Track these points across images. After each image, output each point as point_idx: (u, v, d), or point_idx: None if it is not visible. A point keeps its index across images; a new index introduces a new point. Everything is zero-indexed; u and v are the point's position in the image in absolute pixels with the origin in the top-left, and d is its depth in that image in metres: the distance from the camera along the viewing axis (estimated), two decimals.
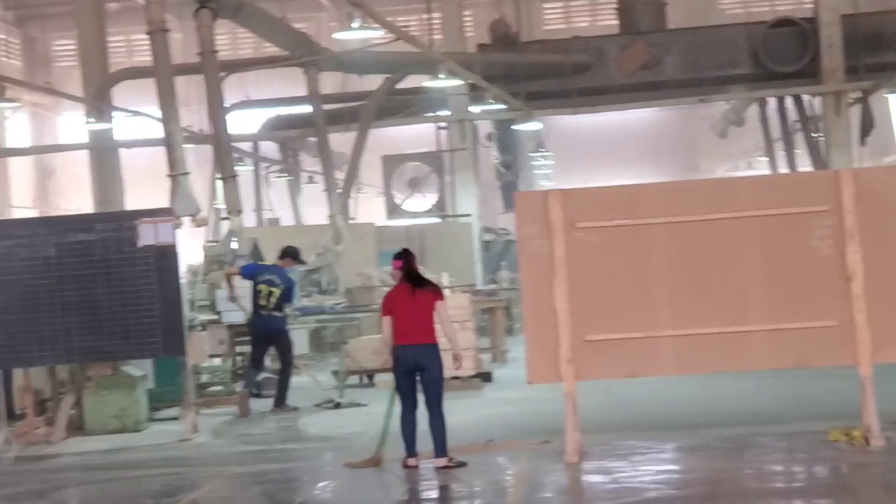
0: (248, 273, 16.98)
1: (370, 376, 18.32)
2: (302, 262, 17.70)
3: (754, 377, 15.88)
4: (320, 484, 11.74)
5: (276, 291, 16.73)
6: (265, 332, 16.96)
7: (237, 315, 17.69)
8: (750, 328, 12.04)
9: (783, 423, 13.17)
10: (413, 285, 11.90)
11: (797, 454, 11.68)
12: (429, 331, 11.85)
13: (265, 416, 16.17)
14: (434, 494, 11.38)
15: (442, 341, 11.93)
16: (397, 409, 11.98)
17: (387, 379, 18.16)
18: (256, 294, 16.83)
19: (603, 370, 12.32)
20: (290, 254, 17.26)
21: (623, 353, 12.15)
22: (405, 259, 12.12)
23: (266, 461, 13.04)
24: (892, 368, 14.04)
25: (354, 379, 18.73)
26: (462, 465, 11.79)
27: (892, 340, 11.85)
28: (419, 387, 11.91)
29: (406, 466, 11.84)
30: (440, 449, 11.79)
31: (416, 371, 11.83)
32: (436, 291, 12.06)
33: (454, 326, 12.21)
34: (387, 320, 11.95)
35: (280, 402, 16.55)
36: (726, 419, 13.72)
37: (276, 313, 16.77)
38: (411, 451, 11.89)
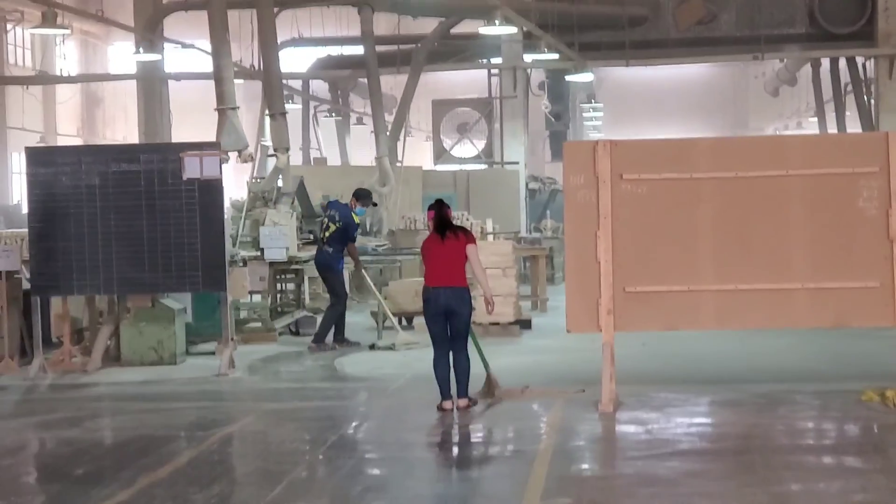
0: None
1: (409, 319, 18.36)
2: (368, 205, 17.63)
3: (793, 335, 15.85)
4: (354, 423, 11.82)
5: (333, 227, 16.77)
6: (317, 265, 17.24)
7: (279, 252, 17.76)
8: (792, 286, 12.02)
9: (818, 381, 13.14)
10: (441, 235, 12.00)
11: (830, 412, 11.67)
12: (458, 274, 11.99)
13: (302, 354, 16.25)
14: (467, 437, 11.43)
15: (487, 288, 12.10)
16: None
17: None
18: (321, 227, 17.32)
19: (642, 322, 12.33)
20: (357, 195, 17.18)
21: (663, 306, 12.16)
22: (437, 210, 12.22)
23: (301, 399, 13.13)
24: None
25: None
26: (476, 403, 12.09)
27: None
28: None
29: (441, 409, 11.92)
30: (463, 390, 11.99)
31: (447, 314, 11.94)
32: (467, 236, 12.16)
33: (485, 272, 12.29)
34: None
35: (319, 338, 16.60)
36: (762, 375, 13.70)
37: (328, 248, 16.83)
38: (446, 394, 11.99)
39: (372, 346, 16.63)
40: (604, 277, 12.00)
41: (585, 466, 9.90)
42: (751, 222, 12.12)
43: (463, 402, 11.96)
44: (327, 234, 16.88)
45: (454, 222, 12.40)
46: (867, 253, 11.91)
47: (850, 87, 35.45)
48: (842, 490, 8.56)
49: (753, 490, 8.59)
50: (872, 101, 31.76)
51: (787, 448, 10.15)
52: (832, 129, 38.04)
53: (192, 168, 14.52)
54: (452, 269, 11.95)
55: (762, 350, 15.56)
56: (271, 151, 20.35)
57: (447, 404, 11.96)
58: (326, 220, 17.07)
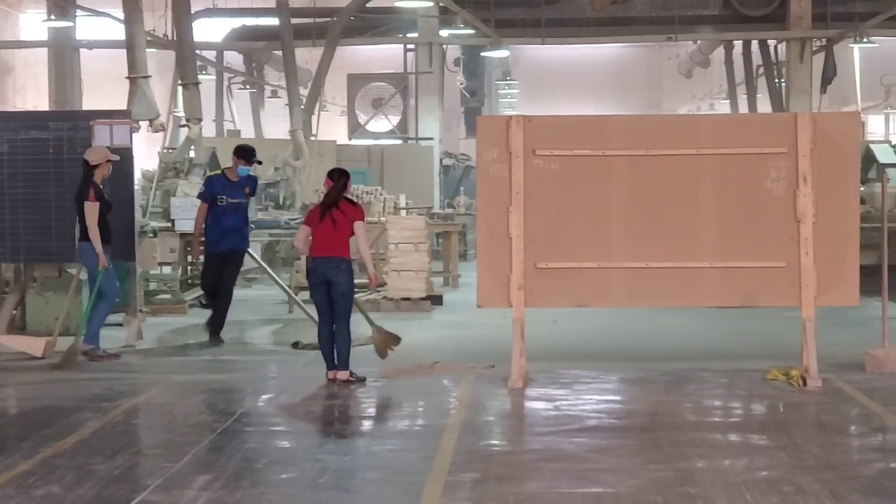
0: None
1: None
2: (253, 162, 16.09)
3: (702, 314, 16.03)
4: (262, 396, 11.75)
5: None
6: None
7: (190, 224, 17.56)
8: (701, 265, 12.13)
9: (725, 359, 13.29)
10: (324, 212, 12.07)
11: (736, 390, 11.80)
12: (340, 246, 12.04)
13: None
14: (375, 411, 11.43)
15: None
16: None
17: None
18: None
19: (553, 298, 12.38)
20: (238, 151, 15.38)
21: (574, 283, 12.21)
22: (336, 180, 12.25)
23: (209, 371, 13.03)
24: (835, 312, 14.24)
25: (304, 294, 18.68)
26: (362, 380, 12.05)
27: (837, 285, 11.96)
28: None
29: (329, 379, 12.05)
30: (343, 362, 12.07)
31: (327, 284, 12.02)
32: (357, 211, 12.21)
33: (369, 250, 12.42)
34: (304, 228, 12.31)
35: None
36: (671, 353, 13.83)
37: None
38: (330, 364, 12.13)
39: (295, 345, 16.10)
40: (515, 253, 12.02)
41: (493, 442, 9.91)
42: (662, 200, 12.20)
43: (343, 374, 12.03)
44: None
45: (352, 195, 12.59)
46: (775, 233, 12.04)
47: (761, 70, 35.81)
48: (746, 467, 8.64)
49: (659, 466, 8.66)
50: (783, 84, 32.12)
51: (693, 425, 10.24)
52: (744, 110, 38.40)
53: (102, 137, 14.31)
54: (333, 240, 12.02)
55: (671, 328, 15.72)
56: (183, 122, 20.17)
57: (331, 374, 12.09)
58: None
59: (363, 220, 12.24)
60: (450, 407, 11.08)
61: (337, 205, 12.11)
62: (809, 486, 8.07)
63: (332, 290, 12.04)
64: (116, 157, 13.81)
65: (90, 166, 13.56)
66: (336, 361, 12.10)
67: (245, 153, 15.22)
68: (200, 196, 15.25)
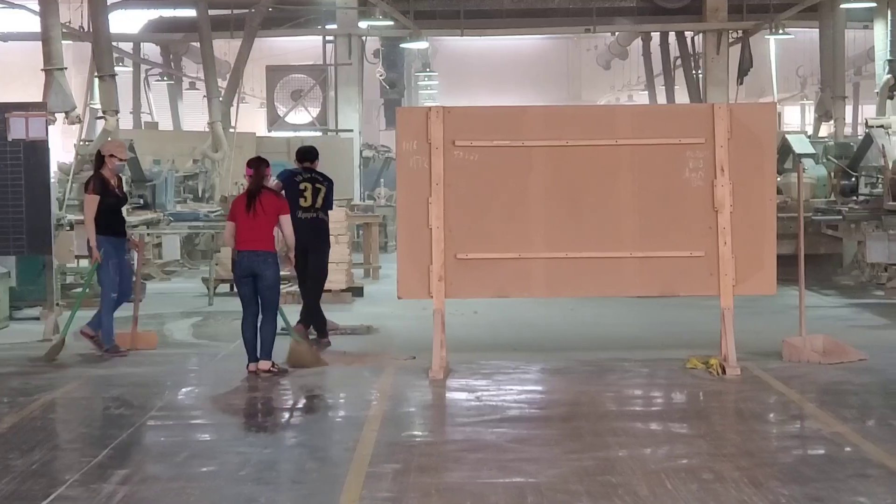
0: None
1: None
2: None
3: (622, 304, 16.13)
4: (182, 389, 11.66)
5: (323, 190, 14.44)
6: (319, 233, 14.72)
7: None
8: (620, 255, 12.17)
9: (646, 349, 13.37)
10: (249, 204, 12.07)
11: (656, 380, 11.87)
12: (265, 239, 12.08)
13: (129, 321, 15.93)
14: (296, 403, 11.38)
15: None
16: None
17: None
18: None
19: (474, 289, 12.39)
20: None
21: (494, 274, 12.22)
22: (256, 168, 12.26)
23: (128, 364, 12.90)
24: (753, 301, 14.40)
25: (224, 287, 18.59)
26: (284, 371, 12.08)
27: (754, 274, 12.06)
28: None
29: (250, 372, 12.04)
30: (266, 353, 12.09)
31: (252, 277, 12.07)
32: (282, 204, 12.24)
33: (293, 241, 12.38)
34: (230, 225, 12.29)
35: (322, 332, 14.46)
36: (592, 343, 13.89)
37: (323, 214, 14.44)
38: (251, 356, 12.12)
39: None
40: (435, 244, 12.02)
41: (415, 432, 9.90)
42: (581, 191, 12.23)
43: (265, 365, 12.04)
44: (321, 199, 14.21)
45: (270, 182, 12.64)
46: (693, 223, 12.11)
47: (679, 61, 36.09)
48: (667, 455, 8.70)
49: (580, 456, 8.69)
50: (701, 75, 32.39)
51: (614, 415, 10.29)
52: (662, 101, 38.70)
53: (17, 129, 14.13)
54: (259, 234, 12.05)
55: (592, 318, 15.79)
56: (100, 114, 19.98)
57: (252, 367, 12.06)
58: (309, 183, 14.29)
59: (288, 214, 12.25)
60: (371, 398, 11.06)
61: (260, 193, 12.10)
62: (728, 473, 8.14)
63: (259, 282, 12.07)
64: (125, 155, 13.69)
65: (100, 157, 13.40)
66: (259, 353, 12.08)
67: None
68: None
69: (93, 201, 13.18)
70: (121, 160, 13.48)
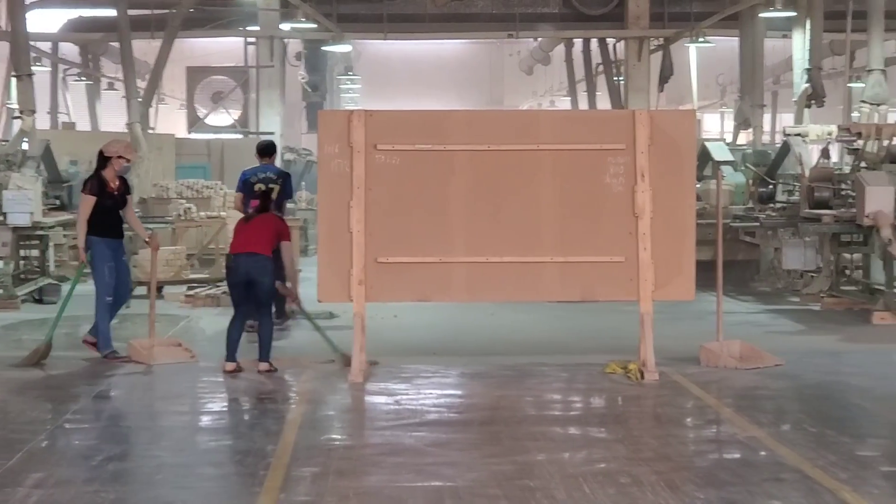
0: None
1: (159, 288, 18.01)
2: None
3: (543, 308, 16.17)
4: (100, 392, 11.53)
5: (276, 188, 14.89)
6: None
7: (23, 217, 17.21)
8: (541, 259, 12.21)
9: (565, 354, 13.40)
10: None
11: (576, 384, 11.91)
12: (261, 243, 12.23)
13: (46, 322, 15.74)
14: (214, 406, 11.29)
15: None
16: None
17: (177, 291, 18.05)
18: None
19: (394, 293, 12.39)
20: None
21: (415, 278, 12.22)
22: (261, 203, 12.88)
23: (45, 367, 12.74)
24: (672, 307, 14.48)
25: (142, 290, 18.38)
26: (275, 370, 12.29)
27: (674, 279, 12.15)
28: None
29: (224, 371, 12.14)
30: (264, 355, 12.25)
31: (248, 282, 12.21)
32: (284, 230, 12.49)
33: (295, 269, 12.87)
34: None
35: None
36: (511, 348, 13.91)
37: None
38: (230, 356, 12.27)
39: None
40: (356, 247, 12.00)
41: (334, 436, 9.86)
42: (502, 195, 12.26)
43: (263, 366, 12.20)
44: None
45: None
46: (613, 228, 12.18)
47: (601, 68, 36.30)
48: (585, 459, 8.73)
49: (498, 460, 8.70)
50: (622, 81, 32.60)
51: (533, 419, 10.31)
52: (584, 107, 38.90)
53: None
54: (255, 238, 12.22)
55: (512, 323, 15.82)
56: (17, 114, 19.74)
57: (229, 366, 12.16)
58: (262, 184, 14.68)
59: (289, 241, 12.57)
60: (290, 401, 11.00)
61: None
62: (646, 477, 8.19)
63: (255, 288, 12.22)
64: (134, 156, 13.53)
65: (104, 157, 13.17)
66: (258, 354, 12.27)
67: None
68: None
69: (88, 202, 12.97)
70: (128, 161, 13.32)
